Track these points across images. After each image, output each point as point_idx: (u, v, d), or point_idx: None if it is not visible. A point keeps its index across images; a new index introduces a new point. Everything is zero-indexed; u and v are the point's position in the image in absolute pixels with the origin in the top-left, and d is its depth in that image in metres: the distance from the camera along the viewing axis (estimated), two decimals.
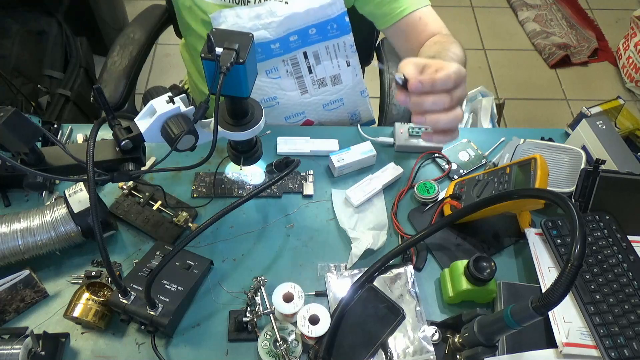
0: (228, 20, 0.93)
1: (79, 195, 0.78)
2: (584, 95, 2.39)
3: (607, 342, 0.70)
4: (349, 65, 1.03)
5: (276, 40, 0.94)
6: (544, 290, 0.68)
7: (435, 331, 0.75)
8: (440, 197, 0.91)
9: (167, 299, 0.73)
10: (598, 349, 0.70)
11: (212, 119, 0.65)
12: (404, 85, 0.63)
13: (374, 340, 0.72)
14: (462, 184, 0.89)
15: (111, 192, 0.90)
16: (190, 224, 0.86)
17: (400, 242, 0.87)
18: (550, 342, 0.72)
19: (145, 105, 0.66)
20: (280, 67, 0.98)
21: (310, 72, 1.01)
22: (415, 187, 0.91)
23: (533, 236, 0.83)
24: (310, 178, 0.94)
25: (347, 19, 0.97)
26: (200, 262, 0.79)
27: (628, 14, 2.49)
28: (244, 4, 0.92)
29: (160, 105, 0.65)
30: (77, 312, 0.71)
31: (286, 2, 0.92)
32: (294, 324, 0.73)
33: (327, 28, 0.96)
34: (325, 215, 0.90)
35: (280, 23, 0.92)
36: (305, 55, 0.98)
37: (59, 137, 0.97)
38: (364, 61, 1.17)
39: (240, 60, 0.61)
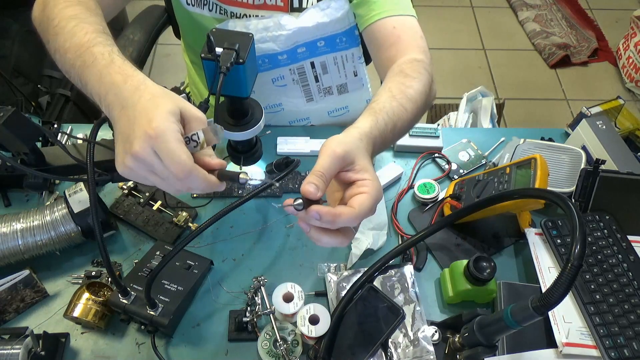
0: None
1: (79, 195, 0.78)
2: (584, 95, 2.39)
3: (607, 342, 0.70)
4: (356, 75, 1.02)
5: (284, 52, 0.93)
6: (544, 290, 0.68)
7: (435, 331, 0.75)
8: (440, 197, 0.91)
9: (167, 299, 0.73)
10: (598, 349, 0.70)
11: (212, 119, 0.65)
12: (304, 208, 0.51)
13: (374, 340, 0.72)
14: (462, 184, 0.89)
15: (111, 192, 0.90)
16: (190, 224, 0.86)
17: (400, 242, 0.87)
18: (550, 342, 0.72)
19: None
20: (286, 76, 0.97)
21: (317, 80, 1.00)
22: (415, 187, 0.91)
23: (533, 236, 0.83)
24: None
25: (357, 32, 0.95)
26: (200, 262, 0.79)
27: (628, 14, 2.49)
28: (238, 18, 0.91)
29: None
30: (77, 312, 0.71)
31: (295, 17, 0.90)
32: (294, 324, 0.73)
33: (336, 41, 0.94)
34: None
35: (289, 36, 0.90)
36: (313, 65, 0.97)
37: (58, 137, 0.97)
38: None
39: (240, 60, 0.61)
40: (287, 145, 0.98)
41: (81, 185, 0.79)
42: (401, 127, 0.68)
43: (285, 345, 0.72)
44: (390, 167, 0.94)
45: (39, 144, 0.87)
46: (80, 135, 0.98)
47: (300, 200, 0.51)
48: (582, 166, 0.88)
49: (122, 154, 0.53)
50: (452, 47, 2.57)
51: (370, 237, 0.84)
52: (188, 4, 0.91)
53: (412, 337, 0.74)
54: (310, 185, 0.51)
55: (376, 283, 0.79)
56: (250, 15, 0.90)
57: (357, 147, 0.56)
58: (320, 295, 0.80)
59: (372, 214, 0.54)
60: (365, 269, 0.79)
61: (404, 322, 0.75)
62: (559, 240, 0.81)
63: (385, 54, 0.84)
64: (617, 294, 0.75)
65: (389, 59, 0.82)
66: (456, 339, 0.70)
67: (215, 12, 0.91)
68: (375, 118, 0.63)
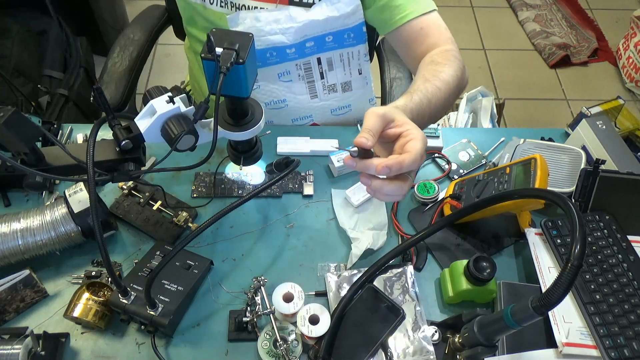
0: (246, 23, 0.92)
1: (79, 195, 0.78)
2: (584, 95, 2.39)
3: (607, 342, 0.70)
4: (360, 73, 1.03)
5: (292, 45, 0.93)
6: (544, 290, 0.68)
7: (435, 331, 0.75)
8: (440, 197, 0.91)
9: (167, 299, 0.73)
10: (598, 349, 0.70)
11: (212, 119, 0.65)
12: (359, 156, 0.62)
13: (374, 340, 0.72)
14: (462, 184, 0.89)
15: (111, 192, 0.90)
16: (190, 224, 0.86)
17: (400, 242, 0.87)
18: (550, 342, 0.72)
19: (145, 105, 0.66)
20: (292, 71, 0.98)
21: (322, 77, 1.01)
22: (415, 187, 0.91)
23: (533, 236, 0.83)
24: (310, 178, 0.94)
25: (364, 29, 0.96)
26: (200, 262, 0.79)
27: (628, 14, 2.49)
28: (238, 9, 0.91)
29: (160, 105, 0.65)
30: (77, 312, 0.71)
31: (307, 9, 0.91)
32: (294, 324, 0.73)
33: (344, 37, 0.96)
34: (325, 215, 0.90)
35: (299, 29, 0.91)
36: (319, 61, 0.98)
37: (59, 137, 0.97)
38: None
39: (240, 60, 0.61)
40: (287, 145, 0.98)
41: (81, 185, 0.79)
42: (436, 103, 0.77)
43: (285, 345, 0.72)
44: None
45: (39, 144, 0.87)
46: (80, 135, 0.98)
47: (356, 148, 0.61)
48: (582, 166, 0.88)
49: None
50: None
51: (370, 237, 0.84)
52: None
53: (412, 337, 0.74)
54: (361, 138, 0.60)
55: (376, 283, 0.79)
56: (249, 7, 0.91)
57: (394, 110, 0.65)
58: (320, 295, 0.80)
59: (423, 159, 0.63)
60: (365, 269, 0.79)
61: (404, 322, 0.75)
62: (559, 240, 0.81)
63: (416, 52, 0.91)
64: (617, 294, 0.75)
65: (420, 54, 0.89)
66: (456, 339, 0.70)
67: (216, 5, 0.91)
68: (410, 96, 0.73)
